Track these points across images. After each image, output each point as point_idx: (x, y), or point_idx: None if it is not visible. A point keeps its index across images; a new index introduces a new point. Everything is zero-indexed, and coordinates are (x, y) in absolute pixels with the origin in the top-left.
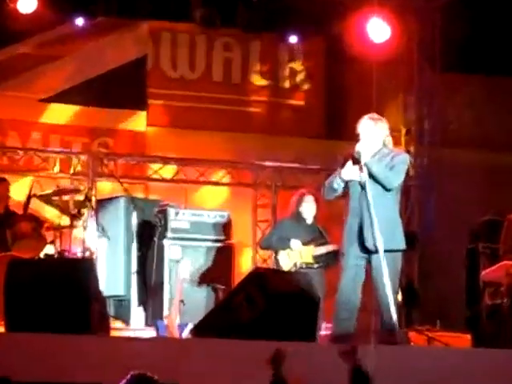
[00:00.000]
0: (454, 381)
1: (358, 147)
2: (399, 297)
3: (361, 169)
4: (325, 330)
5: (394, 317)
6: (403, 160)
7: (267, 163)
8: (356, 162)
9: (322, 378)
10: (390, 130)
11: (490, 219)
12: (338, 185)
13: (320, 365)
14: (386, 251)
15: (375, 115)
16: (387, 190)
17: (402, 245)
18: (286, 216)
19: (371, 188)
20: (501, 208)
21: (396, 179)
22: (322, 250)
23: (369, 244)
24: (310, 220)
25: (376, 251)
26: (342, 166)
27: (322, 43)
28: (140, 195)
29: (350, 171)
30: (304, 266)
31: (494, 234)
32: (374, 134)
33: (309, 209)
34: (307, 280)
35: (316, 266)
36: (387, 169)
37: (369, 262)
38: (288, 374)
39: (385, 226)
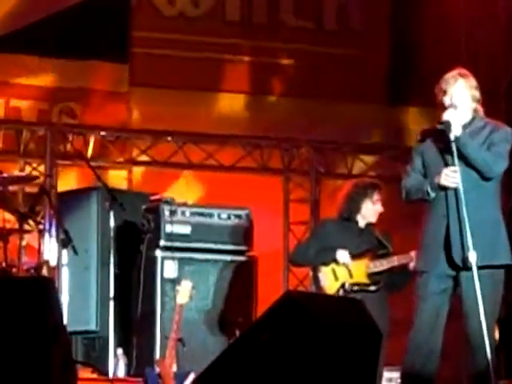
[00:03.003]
0: None
1: (447, 116)
2: (497, 334)
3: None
4: (387, 381)
5: (491, 363)
6: (507, 137)
7: (304, 138)
8: (443, 139)
9: None
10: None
11: None
12: (431, 192)
13: None
14: (482, 267)
15: (465, 71)
16: (486, 179)
17: (507, 258)
18: (331, 216)
19: (463, 178)
20: None
21: (499, 164)
22: (383, 264)
23: (457, 257)
24: (365, 222)
25: (468, 268)
26: (422, 142)
27: None
28: (121, 186)
29: (448, 175)
30: (356, 287)
31: None
32: (466, 97)
33: (366, 206)
34: (362, 308)
35: (373, 287)
36: (484, 149)
37: (456, 284)
38: None
39: (482, 233)
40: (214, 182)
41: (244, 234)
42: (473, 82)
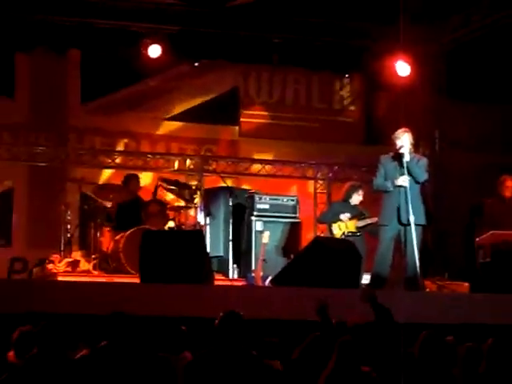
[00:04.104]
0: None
1: (402, 150)
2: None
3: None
4: (365, 280)
5: (418, 272)
6: (425, 163)
7: (324, 162)
8: (400, 162)
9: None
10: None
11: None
12: (390, 187)
13: (360, 305)
14: (416, 225)
15: (406, 129)
16: (417, 182)
17: (424, 221)
18: (337, 200)
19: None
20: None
21: (423, 175)
22: (363, 222)
23: (403, 219)
24: (354, 203)
25: (409, 224)
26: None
27: (363, 77)
28: (235, 186)
29: (403, 180)
30: (350, 234)
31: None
32: (408, 142)
33: (357, 196)
34: (351, 243)
35: (358, 234)
36: (418, 167)
37: (401, 233)
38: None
39: (415, 207)
40: (280, 183)
41: (294, 209)
42: (410, 135)
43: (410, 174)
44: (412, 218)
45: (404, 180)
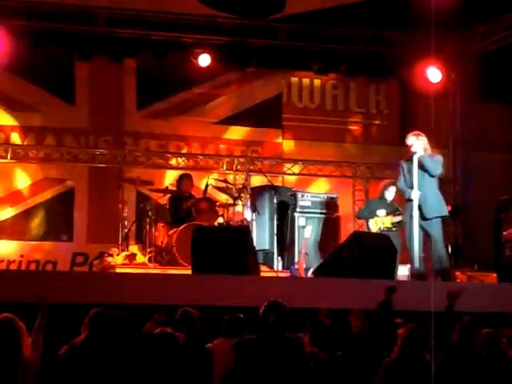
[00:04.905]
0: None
1: (415, 149)
2: (449, 249)
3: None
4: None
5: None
6: (439, 159)
7: (361, 162)
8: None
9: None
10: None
11: (508, 198)
12: (406, 195)
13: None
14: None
15: (416, 132)
16: (432, 176)
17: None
18: (374, 197)
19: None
20: None
21: (437, 169)
22: (398, 218)
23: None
24: (389, 200)
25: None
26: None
27: (397, 83)
28: (279, 184)
29: (414, 194)
30: (385, 229)
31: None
32: (417, 143)
33: (390, 193)
34: (387, 237)
35: (394, 229)
36: (431, 161)
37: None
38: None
39: (431, 202)
40: (321, 182)
41: (334, 206)
42: (421, 136)
43: (422, 168)
44: (430, 213)
45: (415, 194)
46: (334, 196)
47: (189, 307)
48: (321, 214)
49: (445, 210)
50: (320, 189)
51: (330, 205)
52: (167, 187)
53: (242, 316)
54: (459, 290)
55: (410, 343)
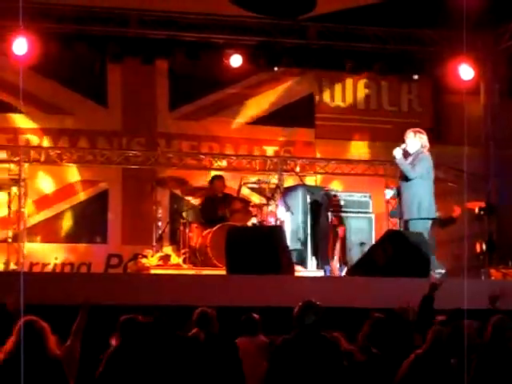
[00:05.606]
0: None
1: (405, 148)
2: (484, 247)
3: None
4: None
5: None
6: (424, 158)
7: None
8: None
9: None
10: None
11: None
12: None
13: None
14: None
15: (416, 129)
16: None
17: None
18: None
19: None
20: None
21: (410, 173)
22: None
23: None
24: None
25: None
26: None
27: (429, 81)
28: (311, 183)
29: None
30: None
31: None
32: (413, 140)
33: None
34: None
35: None
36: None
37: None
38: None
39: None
40: (353, 181)
41: (367, 204)
42: (418, 134)
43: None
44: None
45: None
46: (367, 195)
47: (206, 308)
48: (354, 213)
49: (426, 213)
50: (353, 188)
51: (363, 204)
52: (200, 188)
53: (256, 316)
54: (501, 290)
55: (499, 331)
